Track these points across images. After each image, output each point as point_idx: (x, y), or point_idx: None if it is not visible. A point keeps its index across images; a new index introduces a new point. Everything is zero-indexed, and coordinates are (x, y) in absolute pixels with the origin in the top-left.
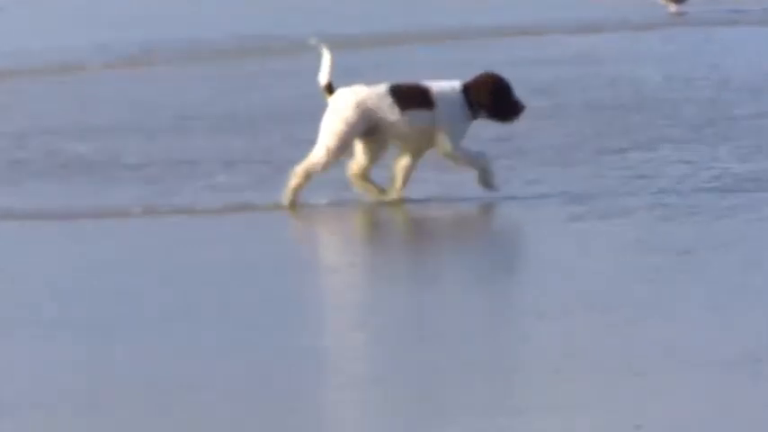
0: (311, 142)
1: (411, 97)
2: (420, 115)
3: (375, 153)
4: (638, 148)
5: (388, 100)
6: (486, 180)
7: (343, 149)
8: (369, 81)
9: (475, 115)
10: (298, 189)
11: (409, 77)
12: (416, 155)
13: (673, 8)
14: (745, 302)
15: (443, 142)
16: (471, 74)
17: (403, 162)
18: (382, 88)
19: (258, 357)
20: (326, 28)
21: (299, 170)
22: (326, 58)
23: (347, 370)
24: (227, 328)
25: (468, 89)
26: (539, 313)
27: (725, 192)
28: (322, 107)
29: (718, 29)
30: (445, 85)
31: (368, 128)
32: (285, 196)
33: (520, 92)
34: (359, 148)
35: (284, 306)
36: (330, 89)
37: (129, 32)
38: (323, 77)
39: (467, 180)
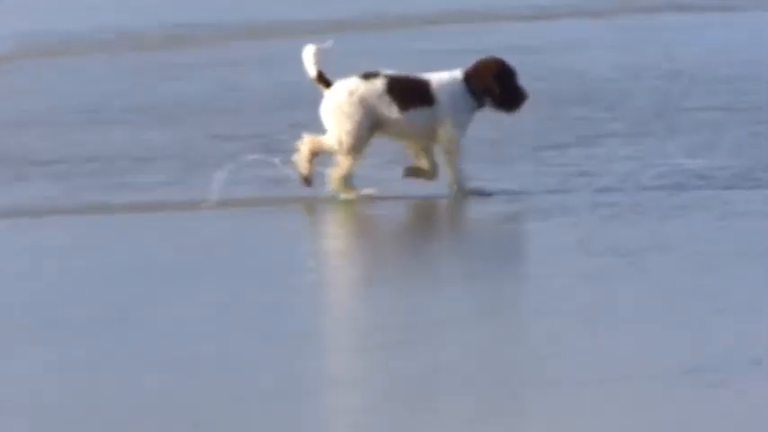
0: (233, 138)
1: (411, 94)
2: (422, 113)
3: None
4: (580, 143)
5: (386, 98)
6: (461, 185)
7: (362, 142)
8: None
9: (480, 104)
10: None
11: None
12: (427, 149)
13: None
14: (692, 308)
15: (447, 133)
16: (410, 63)
17: (422, 161)
18: (379, 84)
19: (160, 364)
20: (258, 15)
21: (335, 180)
22: (312, 47)
23: (236, 380)
24: (125, 332)
25: (469, 77)
26: (469, 320)
27: (673, 190)
28: (248, 100)
29: (670, 15)
30: (445, 77)
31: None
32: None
33: None
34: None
35: (186, 311)
36: (324, 81)
37: (51, 22)
38: (311, 68)
39: (397, 177)
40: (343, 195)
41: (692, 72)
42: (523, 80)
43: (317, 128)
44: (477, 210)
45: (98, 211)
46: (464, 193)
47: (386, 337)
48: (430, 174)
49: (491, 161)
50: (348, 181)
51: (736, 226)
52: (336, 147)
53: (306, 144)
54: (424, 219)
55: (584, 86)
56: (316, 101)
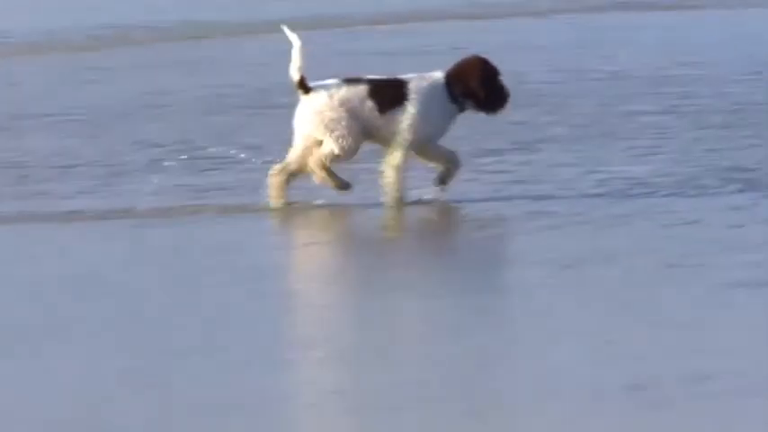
0: (157, 144)
1: (388, 96)
2: (398, 115)
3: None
4: (517, 149)
5: (369, 102)
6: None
7: (355, 144)
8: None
9: (461, 108)
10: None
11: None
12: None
13: None
14: (632, 323)
15: (404, 131)
16: (344, 65)
17: (432, 164)
18: (362, 88)
19: (86, 378)
20: (193, 15)
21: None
22: (297, 47)
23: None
24: (48, 345)
25: (450, 79)
26: (394, 336)
27: (615, 198)
28: (173, 104)
29: (612, 14)
30: (425, 78)
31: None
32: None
33: None
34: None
35: (110, 323)
36: (304, 86)
37: None
38: (295, 71)
39: (321, 186)
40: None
41: (634, 74)
42: None
43: (247, 135)
44: (410, 219)
45: (17, 220)
46: (392, 197)
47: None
48: (452, 167)
49: (423, 167)
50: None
51: (680, 235)
52: (337, 152)
53: (274, 175)
54: (339, 227)
55: (523, 89)
56: (243, 105)
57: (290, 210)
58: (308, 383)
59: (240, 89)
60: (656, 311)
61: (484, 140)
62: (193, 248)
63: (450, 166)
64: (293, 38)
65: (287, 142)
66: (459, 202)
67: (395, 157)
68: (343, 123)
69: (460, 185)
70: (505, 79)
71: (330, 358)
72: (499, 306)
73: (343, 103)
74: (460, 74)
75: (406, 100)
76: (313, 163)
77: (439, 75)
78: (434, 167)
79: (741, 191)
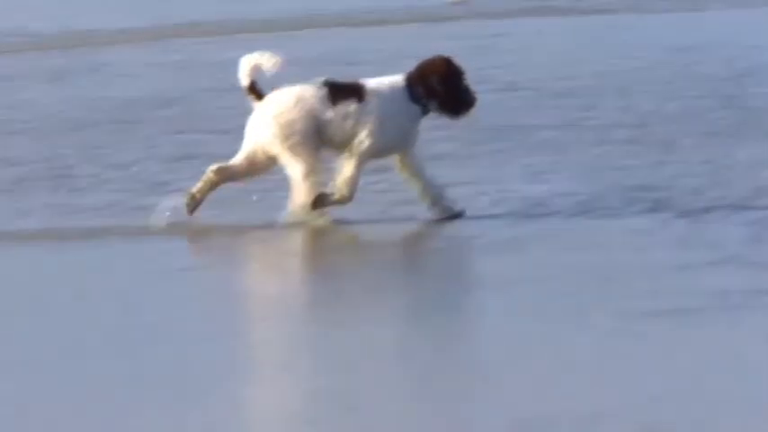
0: (18, 162)
1: (345, 97)
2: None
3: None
4: None
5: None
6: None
7: (314, 155)
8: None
9: (424, 110)
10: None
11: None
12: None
13: None
14: (524, 357)
15: (361, 139)
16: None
17: (405, 175)
18: (321, 90)
19: None
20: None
21: (297, 210)
22: (251, 56)
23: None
24: None
25: (411, 80)
26: (300, 357)
27: (509, 220)
28: (34, 119)
29: (511, 21)
30: (384, 81)
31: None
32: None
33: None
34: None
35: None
36: (256, 92)
37: None
38: (243, 76)
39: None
40: (312, 220)
41: (533, 85)
42: None
43: (115, 151)
44: (273, 245)
45: None
46: (342, 201)
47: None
48: (430, 188)
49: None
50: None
51: (581, 261)
52: (297, 169)
53: (215, 171)
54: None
55: None
56: (110, 121)
57: (180, 230)
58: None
59: (110, 102)
60: (552, 345)
61: None
62: (60, 271)
63: (427, 188)
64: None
65: (161, 158)
66: (343, 223)
67: (349, 165)
68: (299, 127)
69: (336, 209)
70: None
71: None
72: (375, 337)
73: (300, 107)
74: (422, 73)
75: (364, 100)
76: (297, 206)
77: (399, 77)
78: (413, 188)
79: (647, 212)
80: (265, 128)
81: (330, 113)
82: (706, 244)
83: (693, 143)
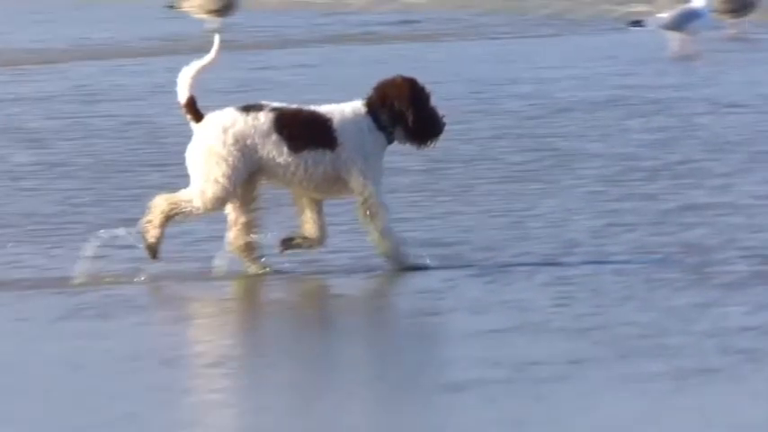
0: None
1: (306, 133)
2: (321, 158)
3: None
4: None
5: (275, 136)
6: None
7: (226, 196)
8: None
9: (389, 139)
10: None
11: None
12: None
13: (215, 23)
14: None
15: (360, 186)
16: None
17: (307, 215)
18: (265, 118)
19: None
20: None
21: (161, 218)
22: (198, 63)
23: None
24: None
25: (373, 106)
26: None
27: (267, 282)
28: None
29: (264, 52)
30: (347, 110)
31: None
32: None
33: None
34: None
35: None
36: (194, 111)
37: None
38: (182, 92)
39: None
40: (248, 268)
41: None
42: (73, 144)
43: None
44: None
45: None
46: (399, 263)
47: None
48: (315, 241)
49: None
50: (249, 247)
51: (354, 326)
52: (195, 199)
53: (160, 204)
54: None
55: (157, 143)
56: None
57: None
58: None
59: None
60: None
61: (114, 208)
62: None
63: (312, 239)
64: (210, 53)
65: None
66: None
67: (371, 224)
68: (230, 162)
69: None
70: (136, 130)
71: None
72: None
73: (239, 139)
74: (385, 96)
75: (331, 137)
76: (161, 204)
77: (357, 103)
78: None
79: (436, 270)
80: (199, 157)
81: (280, 147)
82: (505, 307)
83: (490, 190)
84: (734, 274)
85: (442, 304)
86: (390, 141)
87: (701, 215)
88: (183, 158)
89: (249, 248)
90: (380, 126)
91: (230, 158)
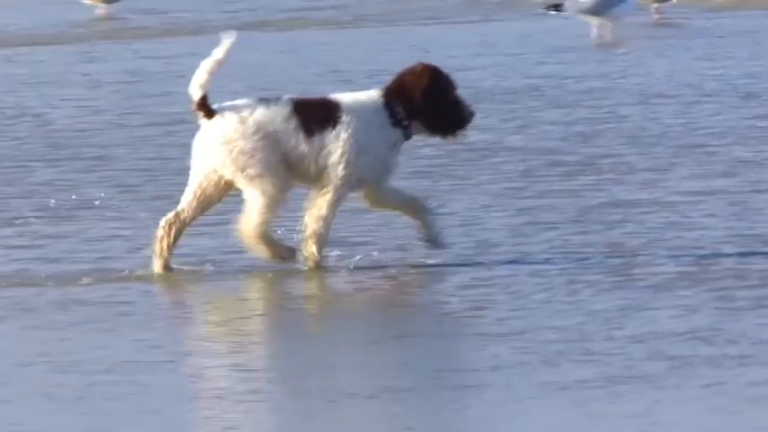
0: None
1: (317, 118)
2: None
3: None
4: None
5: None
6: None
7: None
8: None
9: (407, 134)
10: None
11: None
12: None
13: (102, 9)
14: None
15: (336, 170)
16: None
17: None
18: (284, 108)
19: None
20: None
21: (249, 243)
22: (213, 59)
23: None
24: None
25: (391, 96)
26: None
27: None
28: None
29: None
30: (361, 97)
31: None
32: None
33: None
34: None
35: None
36: (206, 107)
37: None
38: (196, 88)
39: None
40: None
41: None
42: None
43: None
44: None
45: None
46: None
47: None
48: (421, 214)
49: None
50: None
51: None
52: (260, 199)
53: (165, 228)
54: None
55: (50, 138)
56: None
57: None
58: None
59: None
60: None
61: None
62: None
63: (418, 214)
64: (222, 47)
65: None
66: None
67: (323, 201)
68: (259, 157)
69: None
70: (30, 127)
71: None
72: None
73: (259, 129)
74: (403, 87)
75: (338, 124)
76: (244, 234)
77: (375, 93)
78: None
79: None
80: (213, 155)
81: (296, 134)
82: (419, 310)
83: (399, 186)
84: (660, 275)
85: (350, 308)
86: (408, 136)
87: (626, 213)
88: (76, 154)
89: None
90: (395, 119)
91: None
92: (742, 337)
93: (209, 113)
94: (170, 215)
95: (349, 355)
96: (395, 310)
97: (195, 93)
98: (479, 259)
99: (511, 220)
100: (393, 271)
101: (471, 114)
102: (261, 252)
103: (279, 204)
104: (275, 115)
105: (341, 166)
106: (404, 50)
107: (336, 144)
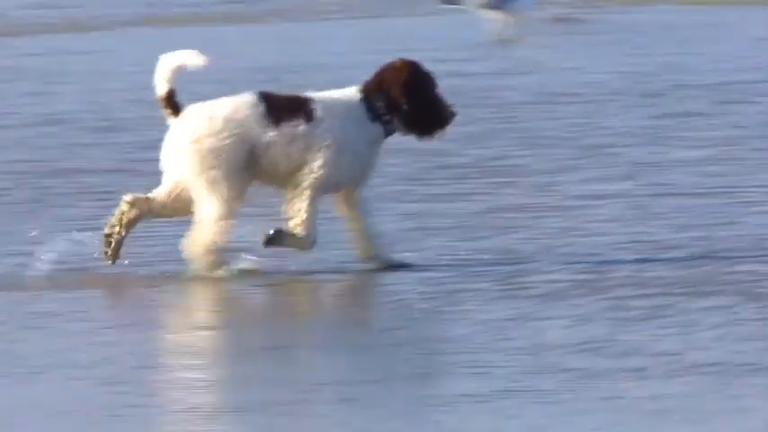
0: None
1: (288, 113)
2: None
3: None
4: None
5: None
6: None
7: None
8: None
9: (387, 130)
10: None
11: None
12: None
13: None
14: None
15: (313, 168)
16: None
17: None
18: (253, 103)
19: None
20: None
21: (198, 249)
22: (173, 55)
23: None
24: None
25: (369, 92)
26: None
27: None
28: None
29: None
30: (336, 94)
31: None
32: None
33: None
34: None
35: None
36: (173, 104)
37: None
38: (161, 83)
39: None
40: (213, 271)
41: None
42: None
43: None
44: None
45: None
46: (301, 244)
47: None
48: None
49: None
50: (220, 252)
51: None
52: (209, 206)
53: (130, 203)
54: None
55: None
56: None
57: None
58: None
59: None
60: None
61: None
62: None
63: (365, 240)
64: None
65: None
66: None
67: (300, 202)
68: (225, 156)
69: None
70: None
71: None
72: None
73: (227, 125)
74: (381, 82)
75: (312, 119)
76: (194, 247)
77: (353, 89)
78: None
79: None
80: (182, 155)
81: (265, 126)
82: (294, 321)
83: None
84: (553, 283)
85: (219, 318)
86: (389, 132)
87: (516, 218)
88: None
89: None
90: (375, 116)
91: None
92: (638, 348)
93: (176, 110)
94: (138, 194)
95: (224, 368)
96: (273, 321)
97: (161, 87)
98: (360, 267)
99: (394, 226)
100: (263, 279)
101: (452, 115)
102: (206, 265)
103: (234, 214)
104: (244, 110)
105: (317, 164)
106: (290, 47)
107: (311, 139)
